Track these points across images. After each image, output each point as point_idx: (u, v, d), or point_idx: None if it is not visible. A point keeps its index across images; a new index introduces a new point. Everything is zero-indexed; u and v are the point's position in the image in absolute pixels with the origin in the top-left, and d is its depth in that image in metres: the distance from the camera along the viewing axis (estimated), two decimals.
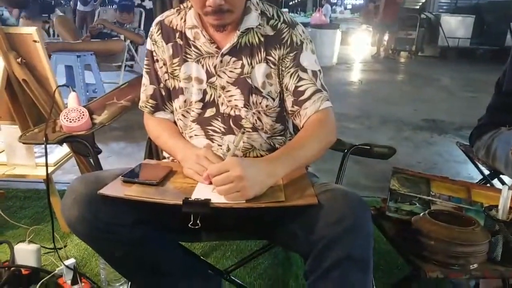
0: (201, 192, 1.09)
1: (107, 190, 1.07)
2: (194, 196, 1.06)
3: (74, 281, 1.63)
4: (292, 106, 1.28)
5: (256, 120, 1.29)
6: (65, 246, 1.81)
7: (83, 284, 1.64)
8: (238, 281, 1.46)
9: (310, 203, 1.02)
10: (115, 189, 1.08)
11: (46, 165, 1.42)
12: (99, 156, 1.44)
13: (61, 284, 1.65)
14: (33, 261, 1.71)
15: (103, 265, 1.67)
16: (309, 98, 1.25)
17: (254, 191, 1.03)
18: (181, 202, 1.02)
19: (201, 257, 1.40)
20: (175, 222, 1.08)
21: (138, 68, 5.28)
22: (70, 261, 1.68)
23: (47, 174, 1.48)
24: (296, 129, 1.39)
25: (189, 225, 1.02)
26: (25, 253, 1.71)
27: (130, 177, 1.14)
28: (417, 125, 4.42)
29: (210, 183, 1.09)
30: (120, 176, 1.14)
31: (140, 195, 1.05)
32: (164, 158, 1.47)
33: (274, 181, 1.08)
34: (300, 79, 1.26)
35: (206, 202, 1.02)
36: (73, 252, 1.88)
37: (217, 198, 1.04)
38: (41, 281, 1.64)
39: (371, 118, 4.63)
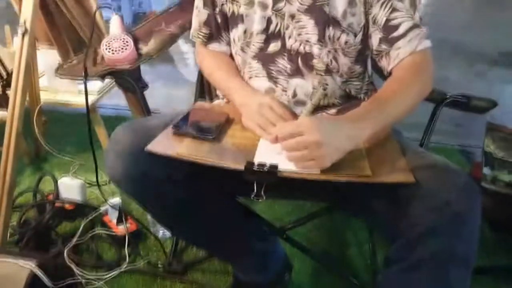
0: (265, 153, 0.91)
1: (156, 147, 0.90)
2: (257, 158, 0.88)
3: (119, 221, 1.56)
4: (379, 45, 1.03)
5: (331, 60, 1.05)
6: (109, 182, 1.71)
7: (128, 224, 1.55)
8: (296, 240, 1.31)
9: (405, 181, 0.82)
10: (165, 145, 0.91)
11: (87, 101, 1.25)
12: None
13: (106, 222, 1.58)
14: (78, 196, 1.64)
15: None
16: (404, 35, 0.99)
17: (332, 159, 0.84)
18: (243, 168, 0.84)
19: (258, 214, 1.25)
20: (233, 181, 0.91)
21: None
22: (115, 200, 1.59)
23: (87, 106, 1.32)
24: (378, 71, 1.15)
25: (252, 197, 0.85)
26: (69, 187, 1.63)
27: (182, 128, 0.97)
28: (492, 58, 3.87)
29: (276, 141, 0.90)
30: (171, 128, 0.97)
31: (195, 155, 0.88)
32: (217, 96, 1.28)
33: (356, 145, 0.88)
34: (394, 9, 0.99)
35: (273, 170, 0.84)
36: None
37: (285, 163, 0.86)
38: (86, 218, 1.57)
39: (440, 48, 4.11)
